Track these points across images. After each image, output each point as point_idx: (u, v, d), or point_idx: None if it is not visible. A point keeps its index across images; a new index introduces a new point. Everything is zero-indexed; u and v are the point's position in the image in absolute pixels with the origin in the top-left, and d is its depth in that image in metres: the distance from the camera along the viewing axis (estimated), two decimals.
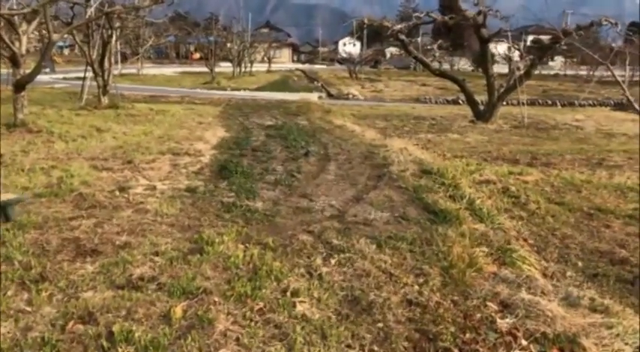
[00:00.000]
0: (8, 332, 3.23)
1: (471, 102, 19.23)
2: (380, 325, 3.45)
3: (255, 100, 23.07)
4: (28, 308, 3.54)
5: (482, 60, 19.78)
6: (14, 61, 11.21)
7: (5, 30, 13.92)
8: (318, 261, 4.41)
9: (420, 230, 5.31)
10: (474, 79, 30.29)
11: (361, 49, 67.27)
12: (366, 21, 24.67)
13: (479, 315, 3.64)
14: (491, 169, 9.31)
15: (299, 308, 3.61)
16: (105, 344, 3.09)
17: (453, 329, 3.45)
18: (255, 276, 4.05)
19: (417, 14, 20.35)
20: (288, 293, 3.80)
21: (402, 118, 18.93)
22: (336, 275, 4.18)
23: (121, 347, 3.05)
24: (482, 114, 18.34)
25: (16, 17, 11.65)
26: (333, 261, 4.43)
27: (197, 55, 67.10)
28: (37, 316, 3.43)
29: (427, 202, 6.31)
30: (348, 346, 3.21)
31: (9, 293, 3.72)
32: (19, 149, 9.02)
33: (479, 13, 17.65)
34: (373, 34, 63.72)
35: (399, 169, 7.98)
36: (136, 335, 3.15)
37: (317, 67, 73.22)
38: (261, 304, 3.63)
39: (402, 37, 18.91)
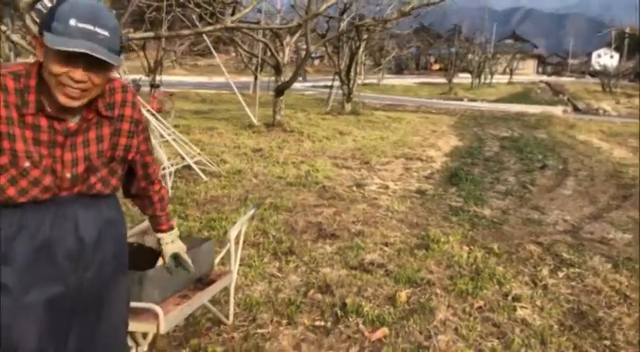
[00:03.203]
0: (263, 290, 3.88)
1: None
2: (607, 342, 3.29)
3: (491, 112, 22.56)
4: (279, 274, 4.18)
5: None
6: (277, 69, 12.85)
7: (271, 42, 16.00)
8: (545, 271, 4.32)
9: None
10: None
11: (619, 61, 60.77)
12: (627, 30, 22.36)
13: None
14: None
15: (519, 312, 3.63)
16: (338, 312, 3.53)
17: None
18: (477, 277, 4.16)
19: None
20: (510, 298, 3.83)
21: None
22: (563, 288, 4.06)
23: (351, 317, 3.46)
24: None
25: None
26: (560, 274, 4.30)
27: (436, 66, 67.86)
28: (285, 281, 4.05)
29: None
30: None
31: (265, 260, 4.43)
32: (275, 145, 10.35)
33: None
34: (635, 45, 57.12)
35: None
36: (365, 309, 3.53)
37: (564, 79, 68.15)
38: (481, 303, 3.74)
39: None
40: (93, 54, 1.47)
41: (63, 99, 1.54)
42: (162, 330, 2.42)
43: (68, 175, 1.66)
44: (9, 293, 1.62)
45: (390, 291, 3.88)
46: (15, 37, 6.63)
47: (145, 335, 2.61)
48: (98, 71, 1.55)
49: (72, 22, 1.48)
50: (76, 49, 1.45)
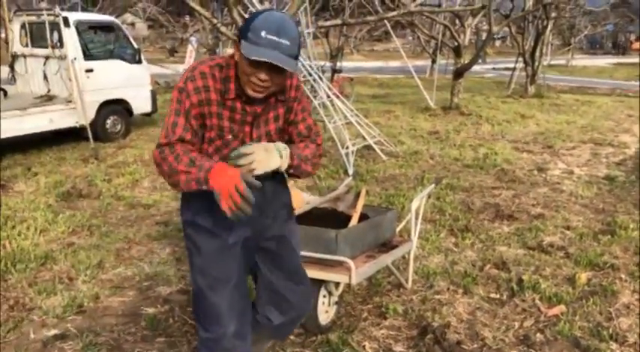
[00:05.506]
0: (439, 262, 4.09)
1: None
2: None
3: None
4: (455, 249, 4.36)
5: None
6: (457, 52, 12.74)
7: (451, 24, 15.81)
8: None
9: None
10: None
11: None
12: None
13: None
14: None
15: None
16: (514, 287, 3.62)
17: None
18: None
19: None
20: None
21: None
22: None
23: (527, 293, 3.53)
24: None
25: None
26: None
27: (637, 45, 60.63)
28: (461, 255, 4.22)
29: None
30: None
31: (441, 235, 4.63)
32: (452, 128, 10.34)
33: None
34: None
35: None
36: (542, 286, 3.58)
37: None
38: None
39: None
40: (273, 62, 1.82)
41: (250, 93, 1.94)
42: (354, 281, 2.78)
43: None
44: (215, 236, 2.08)
45: (570, 272, 3.86)
46: (223, 29, 7.55)
47: (337, 286, 3.00)
48: (279, 73, 1.88)
49: (262, 33, 1.80)
50: (261, 59, 1.81)
